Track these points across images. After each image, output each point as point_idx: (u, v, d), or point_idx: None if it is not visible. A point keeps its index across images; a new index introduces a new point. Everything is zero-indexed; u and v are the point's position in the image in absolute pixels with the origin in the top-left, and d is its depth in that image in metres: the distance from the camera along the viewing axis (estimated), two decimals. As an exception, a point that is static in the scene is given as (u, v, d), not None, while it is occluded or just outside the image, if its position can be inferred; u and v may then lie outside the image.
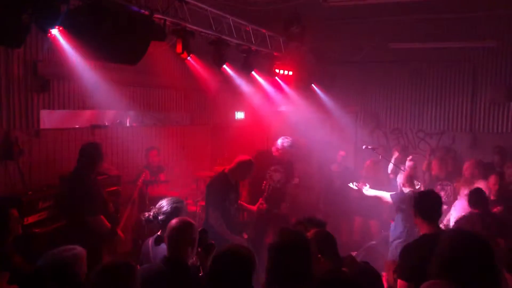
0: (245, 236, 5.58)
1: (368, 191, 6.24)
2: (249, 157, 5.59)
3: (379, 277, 3.04)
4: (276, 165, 6.65)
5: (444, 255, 2.45)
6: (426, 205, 3.61)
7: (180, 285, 3.08)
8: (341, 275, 2.60)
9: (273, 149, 6.74)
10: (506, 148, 8.29)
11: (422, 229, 3.61)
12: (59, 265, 2.80)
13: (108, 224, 4.85)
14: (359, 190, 6.32)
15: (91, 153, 4.91)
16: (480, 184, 5.93)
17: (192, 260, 3.31)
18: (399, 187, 6.60)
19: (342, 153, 8.59)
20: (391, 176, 7.63)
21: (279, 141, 6.69)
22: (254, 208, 5.89)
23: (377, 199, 6.45)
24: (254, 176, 6.20)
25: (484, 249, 2.43)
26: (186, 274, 3.15)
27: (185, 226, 3.25)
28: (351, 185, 6.42)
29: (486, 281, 2.34)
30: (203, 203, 6.65)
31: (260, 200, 5.86)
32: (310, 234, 3.00)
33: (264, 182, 6.07)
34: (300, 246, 2.65)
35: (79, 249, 2.95)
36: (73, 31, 4.29)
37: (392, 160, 7.48)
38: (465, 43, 8.87)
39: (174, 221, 3.29)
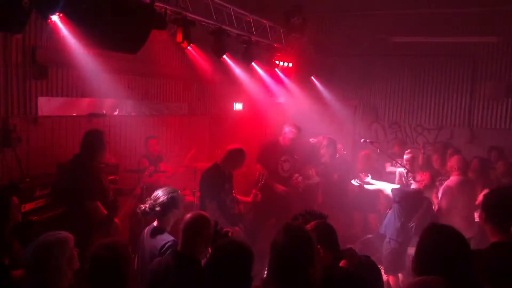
0: (238, 228, 5.56)
1: (370, 182, 6.23)
2: (239, 146, 5.55)
3: (378, 270, 3.05)
4: (285, 155, 6.71)
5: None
6: (500, 209, 2.94)
7: (190, 281, 3.03)
8: (344, 272, 2.60)
9: (280, 138, 6.77)
10: (504, 145, 8.29)
11: (492, 236, 2.97)
12: (41, 248, 2.81)
13: (105, 211, 4.84)
14: (361, 186, 6.32)
15: (93, 140, 4.92)
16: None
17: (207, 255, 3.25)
18: (397, 178, 6.60)
19: (339, 146, 8.57)
20: (389, 169, 7.64)
21: (284, 128, 6.73)
22: (248, 199, 5.89)
23: (377, 192, 6.45)
24: (266, 167, 6.29)
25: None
26: (197, 270, 3.09)
27: (201, 222, 3.18)
28: (353, 182, 6.42)
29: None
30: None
31: (254, 191, 5.85)
32: (310, 225, 3.00)
33: (258, 173, 6.07)
34: (305, 244, 2.60)
35: (64, 234, 2.94)
36: (74, 18, 4.24)
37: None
38: (466, 38, 8.87)
39: (189, 216, 3.22)
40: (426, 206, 5.65)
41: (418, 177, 5.76)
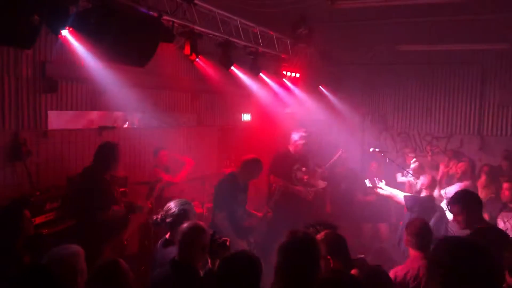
0: (252, 240, 5.53)
1: (384, 187, 6.11)
2: (255, 156, 5.53)
3: (390, 280, 3.02)
4: (297, 163, 6.61)
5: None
6: None
7: None
8: (342, 276, 2.60)
9: (290, 147, 6.70)
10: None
11: None
12: (56, 262, 2.83)
13: (122, 210, 4.85)
14: (374, 188, 6.16)
15: (107, 152, 4.94)
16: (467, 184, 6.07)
17: (207, 265, 3.26)
18: (406, 188, 6.51)
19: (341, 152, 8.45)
20: (400, 180, 7.58)
21: (293, 136, 6.66)
22: (260, 214, 5.85)
23: (385, 202, 6.36)
24: (279, 176, 6.25)
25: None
26: (194, 279, 3.11)
27: (196, 231, 3.21)
28: (367, 182, 6.28)
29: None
30: (210, 205, 6.63)
31: (266, 208, 5.82)
32: (320, 236, 2.99)
33: (274, 186, 6.03)
34: (309, 247, 2.66)
35: (76, 247, 2.99)
36: (83, 32, 4.30)
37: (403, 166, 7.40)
38: (474, 45, 8.82)
39: (185, 225, 3.25)
40: (439, 215, 5.53)
41: (421, 180, 5.71)
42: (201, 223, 3.38)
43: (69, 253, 2.92)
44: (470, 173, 6.48)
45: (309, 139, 6.66)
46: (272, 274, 2.74)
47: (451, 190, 6.04)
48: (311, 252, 2.65)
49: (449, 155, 8.36)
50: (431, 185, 5.60)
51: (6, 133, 5.21)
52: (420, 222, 3.69)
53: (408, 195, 5.76)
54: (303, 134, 6.59)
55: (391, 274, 3.40)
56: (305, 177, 6.67)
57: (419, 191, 5.75)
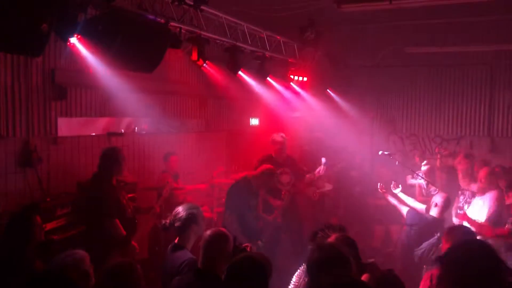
0: (260, 243, 5.52)
1: (398, 194, 5.87)
2: (272, 167, 5.59)
3: (402, 284, 2.98)
4: (280, 167, 6.37)
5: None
6: None
7: None
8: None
9: (272, 152, 6.62)
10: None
11: None
12: (61, 269, 2.85)
13: (123, 231, 4.84)
14: (385, 194, 5.99)
15: (110, 157, 4.96)
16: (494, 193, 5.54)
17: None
18: (417, 191, 6.36)
19: (358, 157, 8.48)
20: (410, 182, 7.51)
21: (271, 141, 6.59)
22: (270, 218, 5.85)
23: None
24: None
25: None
26: (218, 287, 3.04)
27: (221, 239, 3.16)
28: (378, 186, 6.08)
29: None
30: (219, 210, 6.64)
31: (276, 213, 5.81)
32: (331, 239, 2.96)
33: (283, 191, 6.01)
34: (340, 261, 2.59)
35: (81, 253, 2.99)
36: (91, 40, 4.34)
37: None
38: (483, 47, 8.76)
39: (208, 232, 3.20)
40: (432, 241, 5.09)
41: (435, 200, 5.36)
42: (223, 229, 3.35)
43: (74, 258, 2.93)
44: (496, 181, 5.60)
45: (284, 141, 6.52)
46: (279, 277, 2.72)
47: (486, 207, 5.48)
48: (343, 265, 2.57)
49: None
50: (444, 208, 5.22)
51: (16, 140, 5.26)
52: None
53: (411, 212, 5.52)
54: (277, 138, 6.53)
55: (427, 275, 3.32)
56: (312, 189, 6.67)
57: (430, 206, 5.48)
